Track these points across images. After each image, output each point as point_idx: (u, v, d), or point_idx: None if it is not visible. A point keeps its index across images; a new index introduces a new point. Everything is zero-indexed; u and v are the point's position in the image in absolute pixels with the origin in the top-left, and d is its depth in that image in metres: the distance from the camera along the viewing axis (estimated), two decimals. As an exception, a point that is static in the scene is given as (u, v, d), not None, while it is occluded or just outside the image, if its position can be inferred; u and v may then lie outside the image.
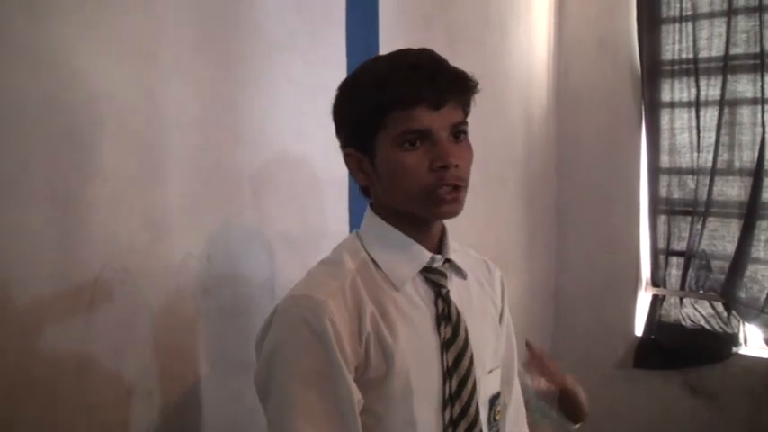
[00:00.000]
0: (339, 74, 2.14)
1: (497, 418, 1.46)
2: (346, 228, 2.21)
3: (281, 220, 2.02)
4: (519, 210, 3.42)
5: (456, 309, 1.36)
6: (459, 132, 1.29)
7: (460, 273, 1.42)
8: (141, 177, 1.64)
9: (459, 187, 1.28)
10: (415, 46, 1.97)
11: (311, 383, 1.23)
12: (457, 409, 1.34)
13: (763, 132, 3.13)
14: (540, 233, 3.62)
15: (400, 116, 1.25)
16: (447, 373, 1.33)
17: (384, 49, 2.34)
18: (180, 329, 1.76)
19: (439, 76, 1.26)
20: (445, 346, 1.33)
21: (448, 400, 1.33)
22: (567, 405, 1.98)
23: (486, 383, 1.42)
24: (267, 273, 1.95)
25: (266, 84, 1.97)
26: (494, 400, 1.45)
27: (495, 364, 1.47)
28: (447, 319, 1.35)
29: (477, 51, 2.96)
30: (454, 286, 1.39)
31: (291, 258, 1.99)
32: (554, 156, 3.71)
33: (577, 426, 1.99)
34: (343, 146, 1.37)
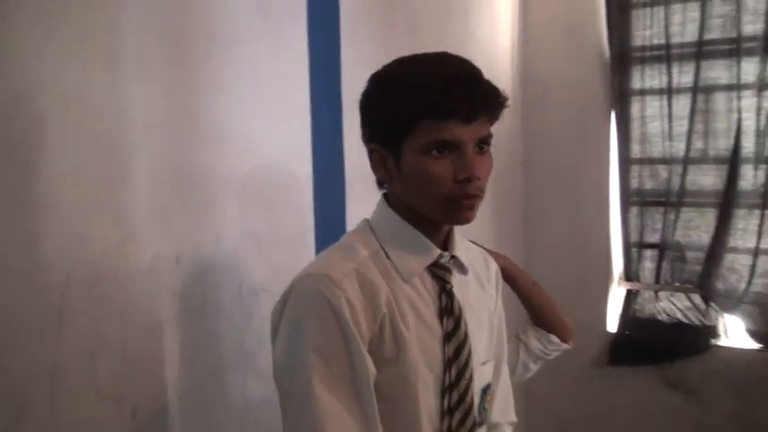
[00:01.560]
0: (302, 69, 2.30)
1: (486, 407, 1.63)
2: (311, 228, 2.32)
3: (247, 221, 2.13)
4: (484, 206, 3.51)
5: (458, 303, 1.52)
6: (483, 144, 1.44)
7: (462, 268, 1.58)
8: (110, 179, 1.74)
9: (478, 197, 1.44)
10: (378, 41, 2.10)
11: (330, 358, 1.38)
12: (455, 397, 1.51)
13: (739, 119, 3.31)
14: (506, 229, 3.72)
15: (433, 125, 1.38)
16: (448, 363, 1.50)
17: (346, 45, 2.50)
18: (151, 331, 1.86)
19: (475, 91, 1.40)
20: (447, 337, 1.50)
21: (447, 389, 1.50)
22: (539, 317, 2.13)
23: (480, 374, 1.59)
24: (234, 273, 2.05)
25: (230, 83, 2.08)
26: (485, 389, 1.62)
27: (489, 357, 1.65)
28: (450, 312, 1.51)
29: (438, 40, 3.03)
30: (456, 281, 1.55)
31: (258, 259, 2.10)
32: (520, 149, 3.83)
33: (570, 343, 2.12)
34: (368, 141, 1.51)
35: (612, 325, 3.75)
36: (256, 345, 1.98)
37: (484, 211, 3.51)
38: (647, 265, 3.64)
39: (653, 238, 3.61)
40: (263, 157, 2.20)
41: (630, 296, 3.71)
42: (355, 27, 2.55)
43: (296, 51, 2.32)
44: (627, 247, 3.67)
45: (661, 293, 3.63)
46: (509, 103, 1.47)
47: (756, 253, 3.35)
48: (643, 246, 3.65)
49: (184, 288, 1.94)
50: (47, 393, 1.63)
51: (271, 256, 1.99)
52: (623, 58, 3.57)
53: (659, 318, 3.62)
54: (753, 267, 3.35)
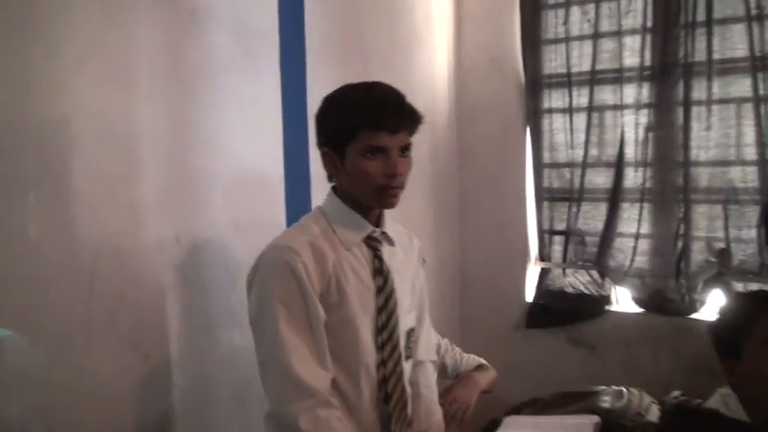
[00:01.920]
0: (275, 92, 2.40)
1: (412, 345, 1.82)
2: (284, 217, 2.41)
3: (232, 210, 2.24)
4: (427, 201, 3.59)
5: (387, 266, 1.72)
6: (404, 150, 1.64)
7: (391, 241, 1.77)
8: (126, 178, 1.89)
9: (399, 189, 1.64)
10: (337, 69, 2.29)
11: (291, 305, 1.57)
12: (385, 335, 1.69)
13: (623, 132, 3.36)
14: (445, 219, 3.77)
15: (368, 135, 1.58)
16: (379, 310, 1.69)
17: (311, 71, 2.55)
18: (158, 294, 1.99)
19: (399, 111, 1.61)
20: (378, 291, 1.70)
21: (379, 329, 1.69)
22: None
23: (405, 320, 1.78)
24: (222, 251, 2.17)
25: (218, 103, 2.19)
26: (410, 333, 1.81)
27: (412, 308, 1.84)
28: (380, 272, 1.70)
29: (386, 69, 3.11)
30: (386, 251, 1.74)
31: (239, 241, 2.20)
32: (456, 155, 3.85)
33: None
34: (321, 145, 1.68)
35: (530, 296, 3.77)
36: (239, 306, 1.99)
37: (427, 205, 3.65)
38: (557, 248, 3.68)
39: (560, 226, 3.64)
40: (244, 161, 2.30)
41: (543, 273, 3.74)
42: (318, 59, 2.63)
43: (270, 79, 2.41)
44: (540, 233, 3.70)
45: (567, 270, 3.66)
46: (425, 120, 1.66)
47: (637, 237, 3.39)
48: (553, 233, 3.68)
49: (183, 262, 2.06)
50: (83, 340, 1.78)
51: (250, 238, 2.06)
52: (535, 83, 3.60)
53: (566, 290, 3.66)
54: (635, 248, 3.40)
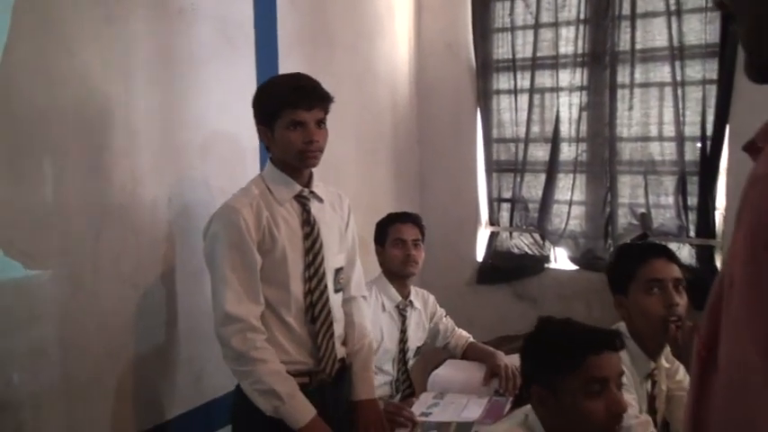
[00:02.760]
0: (250, 78, 2.66)
1: (341, 281, 2.18)
2: None
3: (214, 177, 2.49)
4: (390, 171, 3.84)
5: (314, 217, 2.08)
6: (320, 123, 2.01)
7: (320, 199, 2.13)
8: (127, 150, 2.18)
9: (318, 152, 2.01)
10: (306, 57, 2.58)
11: (234, 250, 1.95)
12: (312, 270, 2.07)
13: (558, 111, 3.69)
14: (406, 188, 4.00)
15: (290, 112, 1.97)
16: (307, 251, 2.06)
17: (283, 60, 2.82)
18: (154, 243, 2.29)
19: (312, 93, 1.99)
20: (306, 236, 2.07)
21: (307, 265, 2.06)
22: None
23: (333, 261, 2.14)
24: (206, 209, 2.31)
25: (203, 87, 2.45)
26: (338, 271, 2.17)
27: (340, 251, 2.19)
28: (308, 222, 2.07)
29: (351, 57, 3.36)
30: (314, 206, 2.10)
31: (219, 202, 2.24)
32: (416, 131, 4.08)
33: None
34: (258, 123, 2.06)
35: (480, 256, 4.02)
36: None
37: (390, 175, 3.95)
38: (504, 213, 3.95)
39: (507, 194, 3.90)
40: (224, 135, 2.57)
41: (493, 236, 4.00)
42: (289, 48, 2.89)
43: (247, 65, 2.67)
44: (490, 201, 3.96)
45: (514, 234, 3.94)
46: (335, 100, 2.03)
47: (571, 203, 3.70)
48: (501, 200, 3.93)
49: (173, 218, 2.34)
50: (91, 279, 2.07)
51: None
52: (485, 67, 3.85)
53: (512, 250, 3.94)
54: (569, 213, 3.72)
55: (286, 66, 2.84)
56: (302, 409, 1.98)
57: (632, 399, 1.95)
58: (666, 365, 2.21)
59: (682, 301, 2.09)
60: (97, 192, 2.10)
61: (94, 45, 2.07)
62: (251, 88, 2.58)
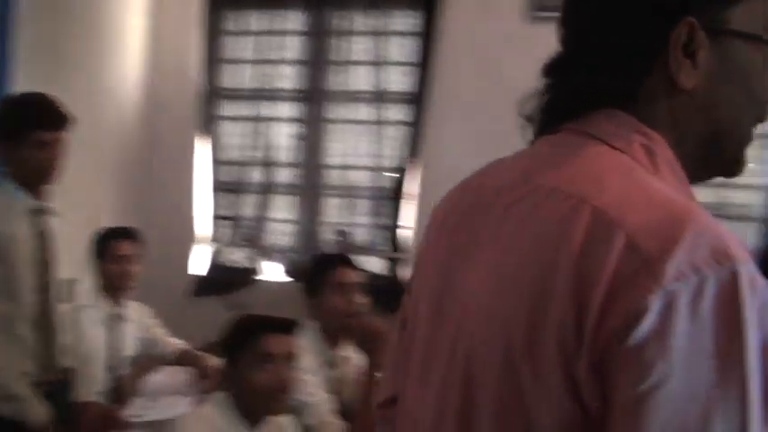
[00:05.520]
0: None
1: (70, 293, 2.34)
2: None
3: None
4: (117, 184, 3.82)
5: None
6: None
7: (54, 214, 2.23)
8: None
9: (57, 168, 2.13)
10: (46, 74, 2.65)
11: None
12: (42, 283, 2.19)
13: (276, 139, 4.03)
14: (133, 201, 3.97)
15: (35, 134, 2.07)
16: (38, 265, 2.16)
17: (21, 78, 2.72)
18: None
19: (51, 112, 2.11)
20: (37, 249, 2.17)
21: (38, 278, 2.18)
22: None
23: (61, 273, 2.26)
24: None
25: None
26: (68, 282, 2.32)
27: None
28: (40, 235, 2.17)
29: (83, 75, 3.28)
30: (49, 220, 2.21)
31: None
32: (146, 150, 4.09)
33: None
34: None
35: (200, 270, 4.11)
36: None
37: (117, 188, 4.01)
38: (225, 230, 4.12)
39: (228, 212, 4.09)
40: None
41: (214, 250, 4.14)
42: (31, 67, 2.77)
43: None
44: (212, 218, 4.11)
45: (232, 248, 4.11)
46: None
47: (284, 221, 4.04)
48: (223, 218, 4.11)
49: None
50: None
51: None
52: (213, 94, 4.04)
53: (228, 264, 4.09)
54: (282, 231, 4.04)
55: (23, 84, 2.72)
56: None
57: (313, 380, 2.22)
58: (352, 355, 2.48)
59: (362, 300, 2.43)
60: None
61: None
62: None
